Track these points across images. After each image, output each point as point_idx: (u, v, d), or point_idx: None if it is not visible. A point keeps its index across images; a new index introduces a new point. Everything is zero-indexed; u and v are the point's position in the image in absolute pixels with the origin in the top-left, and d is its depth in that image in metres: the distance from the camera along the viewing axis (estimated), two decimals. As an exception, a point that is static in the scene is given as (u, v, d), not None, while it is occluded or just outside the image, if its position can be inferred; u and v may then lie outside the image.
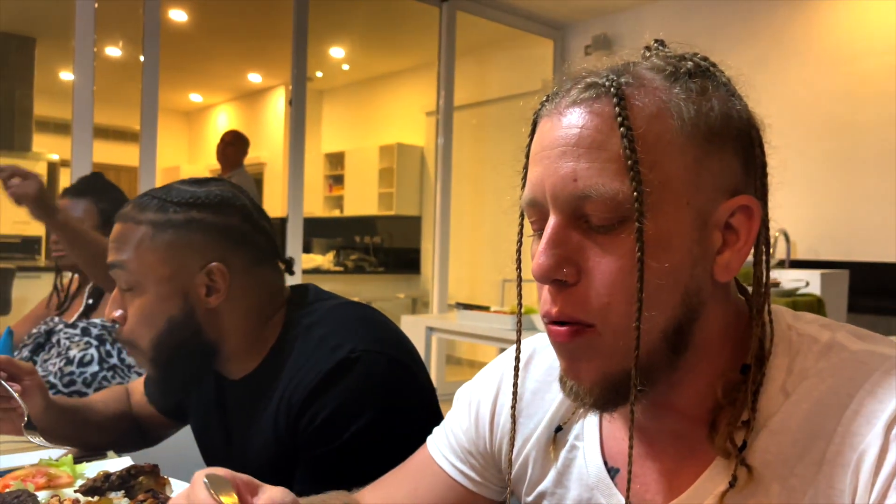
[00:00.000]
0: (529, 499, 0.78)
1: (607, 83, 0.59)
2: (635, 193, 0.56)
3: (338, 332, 1.01)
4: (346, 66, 7.08)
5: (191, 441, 1.27)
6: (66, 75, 5.70)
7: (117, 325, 1.03)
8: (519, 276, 0.69)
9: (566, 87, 0.62)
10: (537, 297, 0.63)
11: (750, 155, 0.62)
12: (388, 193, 6.90)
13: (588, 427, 0.73)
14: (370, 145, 7.10)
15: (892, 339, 0.66)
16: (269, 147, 7.72)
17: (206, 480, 0.58)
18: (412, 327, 3.34)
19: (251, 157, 5.59)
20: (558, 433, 0.75)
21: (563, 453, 0.75)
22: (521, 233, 0.68)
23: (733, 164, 0.61)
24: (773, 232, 3.77)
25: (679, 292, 0.60)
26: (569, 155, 0.59)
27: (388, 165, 6.86)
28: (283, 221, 4.28)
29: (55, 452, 1.14)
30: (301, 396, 0.97)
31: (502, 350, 0.95)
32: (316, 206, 7.58)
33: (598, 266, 0.58)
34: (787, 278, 2.97)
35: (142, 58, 3.52)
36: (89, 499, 0.93)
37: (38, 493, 0.96)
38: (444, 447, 0.84)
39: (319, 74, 7.12)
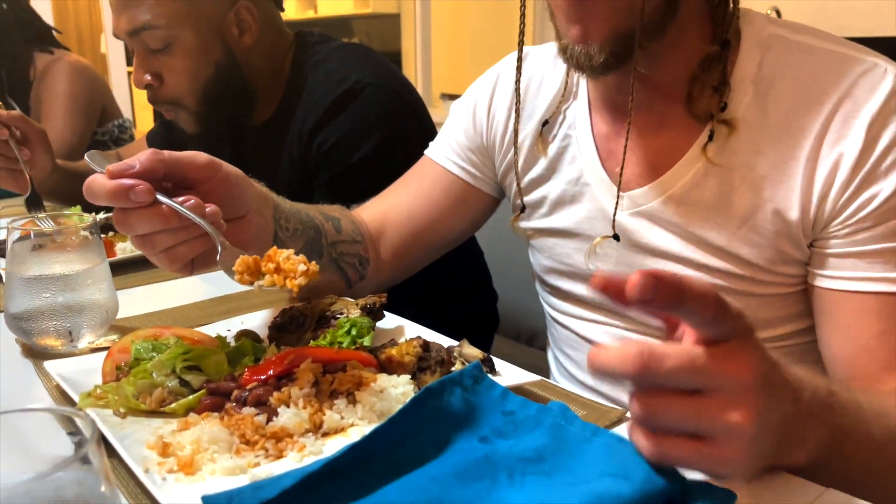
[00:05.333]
0: (522, 184, 0.86)
1: None
2: None
3: (343, 67, 1.03)
4: None
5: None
6: None
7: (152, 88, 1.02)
8: None
9: None
10: None
11: None
12: (362, -12, 6.51)
13: (579, 116, 0.81)
14: (339, -66, 6.60)
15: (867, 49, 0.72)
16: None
17: (87, 157, 0.69)
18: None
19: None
20: (545, 126, 0.83)
21: (556, 143, 0.82)
22: None
23: None
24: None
25: None
26: None
27: (361, -44, 6.42)
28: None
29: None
30: (311, 124, 1.01)
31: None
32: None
33: None
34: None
35: None
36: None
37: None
38: (444, 150, 0.92)
39: None
